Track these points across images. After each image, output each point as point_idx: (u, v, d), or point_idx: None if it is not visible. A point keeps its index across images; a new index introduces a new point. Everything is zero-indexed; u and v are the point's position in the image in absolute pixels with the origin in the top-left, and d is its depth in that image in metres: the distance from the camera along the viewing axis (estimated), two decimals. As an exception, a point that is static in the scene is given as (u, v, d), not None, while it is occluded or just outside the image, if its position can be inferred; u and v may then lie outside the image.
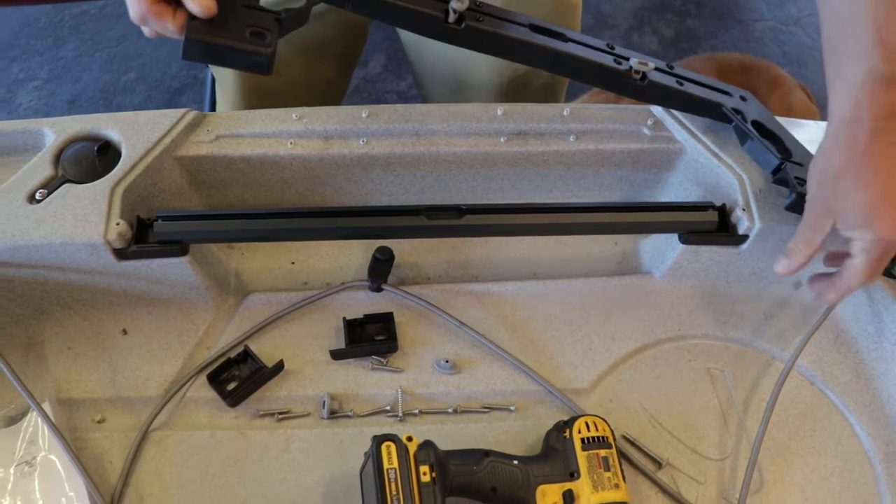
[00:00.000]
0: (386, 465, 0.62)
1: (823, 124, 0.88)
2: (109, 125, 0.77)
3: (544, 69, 0.76)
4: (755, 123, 0.78)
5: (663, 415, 0.75)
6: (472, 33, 0.71)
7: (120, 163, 0.74)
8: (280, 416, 0.74)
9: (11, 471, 0.67)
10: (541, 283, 0.83)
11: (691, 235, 0.77)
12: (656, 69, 0.76)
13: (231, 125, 0.79)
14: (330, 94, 1.14)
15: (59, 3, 2.00)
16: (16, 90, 1.97)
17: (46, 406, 0.69)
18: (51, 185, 0.72)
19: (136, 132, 0.76)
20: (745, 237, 0.77)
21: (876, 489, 0.72)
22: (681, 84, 0.77)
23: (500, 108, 0.81)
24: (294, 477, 0.70)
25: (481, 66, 0.98)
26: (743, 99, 0.81)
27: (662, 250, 0.82)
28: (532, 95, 1.04)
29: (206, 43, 0.61)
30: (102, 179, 0.73)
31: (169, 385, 0.74)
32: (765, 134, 0.78)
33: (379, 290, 0.81)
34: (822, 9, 0.68)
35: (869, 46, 0.61)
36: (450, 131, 0.81)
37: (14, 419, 0.70)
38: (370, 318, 0.79)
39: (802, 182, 0.72)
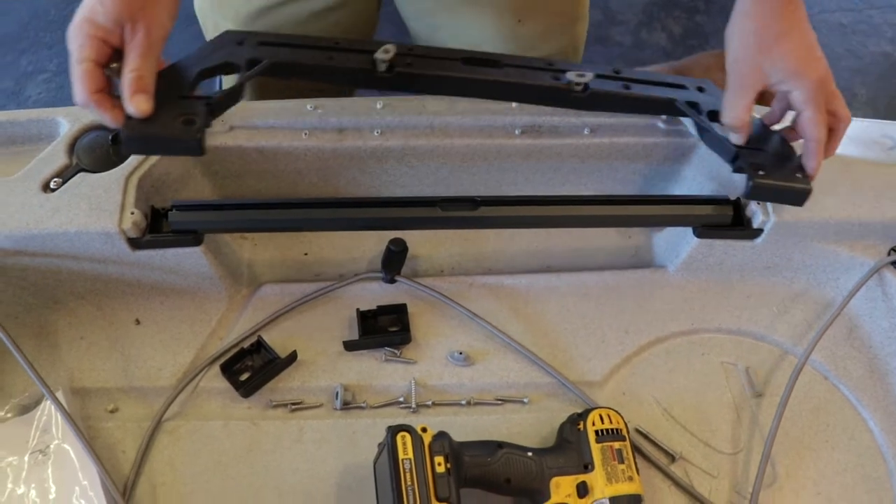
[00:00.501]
0: (401, 456, 0.62)
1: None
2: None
3: (484, 98, 0.78)
4: (712, 113, 0.76)
5: (676, 408, 0.75)
6: (404, 78, 0.73)
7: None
8: (293, 407, 0.74)
9: (26, 459, 0.67)
10: (554, 275, 0.83)
11: (705, 229, 0.77)
12: (600, 77, 0.76)
13: (246, 116, 0.79)
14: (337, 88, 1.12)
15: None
16: (24, 83, 1.97)
17: (60, 395, 0.69)
18: (65, 174, 0.72)
19: None
20: (759, 231, 0.76)
21: (889, 484, 0.72)
22: (627, 87, 0.77)
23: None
24: (307, 467, 0.70)
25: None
26: (700, 89, 0.79)
27: (676, 244, 0.82)
28: None
29: (142, 137, 0.64)
30: (117, 169, 0.73)
31: (182, 375, 0.74)
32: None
33: (392, 281, 0.81)
34: None
35: None
36: (464, 124, 0.80)
37: (28, 408, 0.70)
38: (383, 310, 0.79)
39: (759, 167, 0.71)
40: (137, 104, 0.62)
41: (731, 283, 0.82)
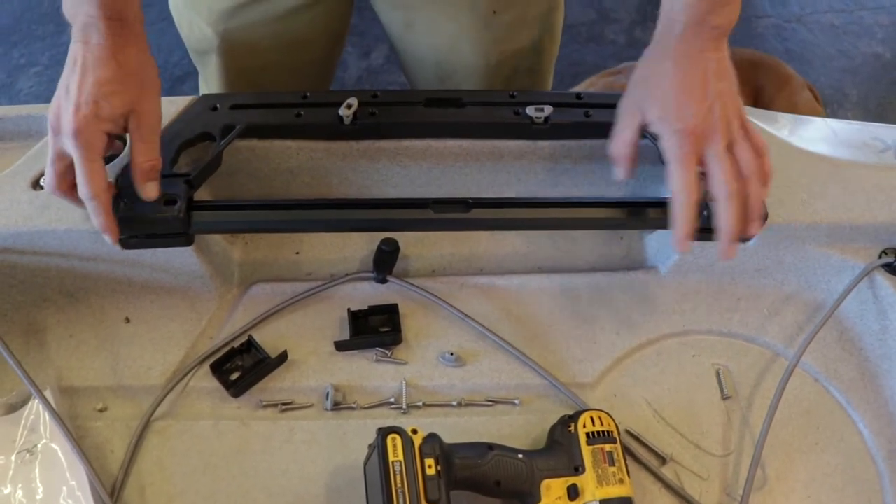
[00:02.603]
0: (391, 458, 0.62)
1: (833, 122, 0.88)
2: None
3: (446, 138, 0.79)
4: None
5: (667, 410, 0.75)
6: (369, 128, 0.77)
7: (125, 149, 0.73)
8: (283, 407, 0.73)
9: (12, 458, 0.66)
10: (546, 277, 0.83)
11: (697, 231, 0.77)
12: (561, 105, 0.78)
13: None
14: (317, 82, 1.11)
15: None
16: (17, 75, 1.96)
17: (48, 394, 0.68)
18: (55, 171, 0.72)
19: None
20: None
21: (879, 486, 0.72)
22: (588, 115, 0.78)
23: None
24: (297, 468, 0.70)
25: (467, 51, 0.97)
26: None
27: (668, 245, 0.82)
28: (519, 79, 1.03)
29: (130, 220, 0.68)
30: (107, 166, 0.72)
31: (171, 374, 0.74)
32: None
33: (384, 281, 0.81)
34: None
35: None
36: (457, 123, 0.80)
37: (15, 406, 0.70)
38: (375, 310, 0.79)
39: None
40: (150, 192, 0.67)
41: (722, 286, 0.82)
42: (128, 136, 0.68)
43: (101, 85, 0.63)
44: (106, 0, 0.63)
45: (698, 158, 0.66)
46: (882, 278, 0.78)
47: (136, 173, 0.66)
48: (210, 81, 1.03)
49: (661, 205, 0.77)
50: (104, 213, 0.65)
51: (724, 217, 0.66)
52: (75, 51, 0.64)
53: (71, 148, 0.63)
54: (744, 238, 0.69)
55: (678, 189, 0.66)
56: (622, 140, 0.70)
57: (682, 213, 0.66)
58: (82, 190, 0.63)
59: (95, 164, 0.64)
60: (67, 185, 0.65)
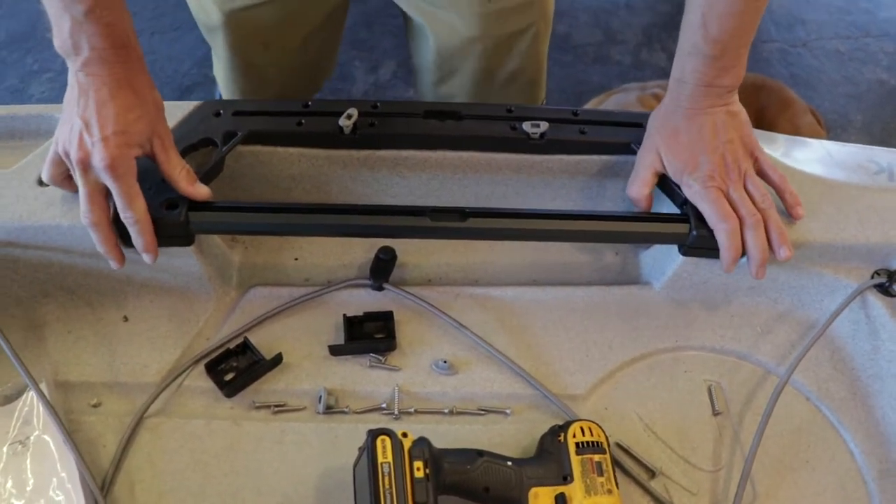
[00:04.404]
0: (380, 459, 0.62)
1: (829, 144, 0.89)
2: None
3: (445, 149, 0.82)
4: None
5: (658, 424, 0.76)
6: (369, 138, 0.79)
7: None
8: (276, 409, 0.74)
9: (4, 449, 0.67)
10: (541, 289, 0.84)
11: (691, 248, 0.78)
12: (557, 121, 0.80)
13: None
14: (318, 64, 1.19)
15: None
16: (29, 81, 1.99)
17: (43, 386, 0.69)
18: (62, 169, 0.73)
19: None
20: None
21: (868, 506, 0.72)
22: (583, 132, 0.81)
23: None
24: (287, 469, 0.70)
25: (465, 34, 1.02)
26: None
27: (662, 261, 0.83)
28: (514, 61, 1.07)
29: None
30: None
31: (167, 373, 0.75)
32: None
33: (380, 288, 0.82)
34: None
35: (696, 26, 0.71)
36: (456, 135, 0.81)
37: (10, 398, 0.71)
38: (370, 316, 0.79)
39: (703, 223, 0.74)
40: (202, 192, 0.72)
41: (715, 302, 0.83)
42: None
43: (125, 113, 0.66)
44: (113, 31, 0.64)
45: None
46: (874, 298, 0.78)
47: (181, 183, 0.71)
48: (220, 57, 1.10)
49: (657, 220, 0.78)
50: (148, 233, 0.69)
51: (752, 244, 0.73)
52: (84, 84, 0.65)
53: (108, 180, 0.65)
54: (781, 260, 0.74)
55: (719, 218, 0.73)
56: (641, 182, 0.78)
57: (727, 240, 0.73)
58: (126, 215, 0.67)
59: (133, 190, 0.67)
60: (108, 217, 0.68)
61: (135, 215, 0.67)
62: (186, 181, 0.71)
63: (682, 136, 0.75)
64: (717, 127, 0.74)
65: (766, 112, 1.54)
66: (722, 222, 0.72)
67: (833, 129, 1.91)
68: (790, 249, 0.73)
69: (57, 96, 1.93)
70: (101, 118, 0.64)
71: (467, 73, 1.07)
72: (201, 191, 0.72)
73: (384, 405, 0.75)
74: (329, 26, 1.11)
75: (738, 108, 0.77)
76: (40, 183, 0.72)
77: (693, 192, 0.74)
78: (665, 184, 0.78)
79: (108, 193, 0.67)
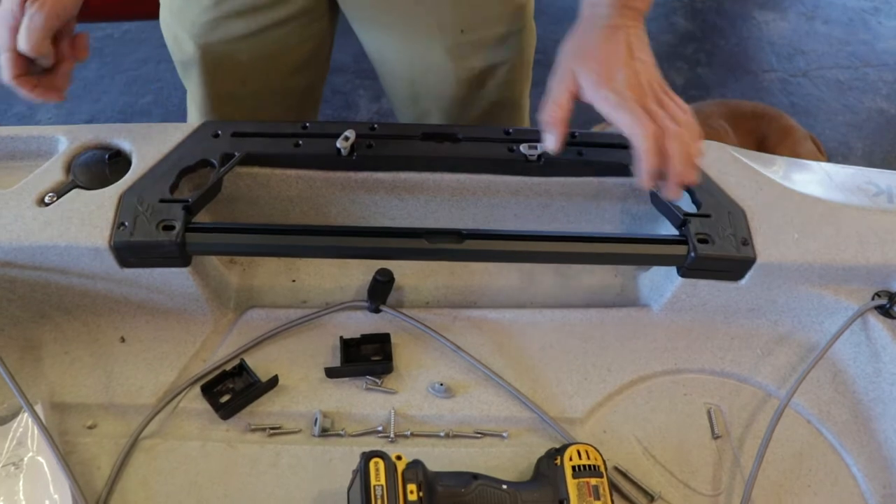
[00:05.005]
0: (373, 482, 0.61)
1: (828, 166, 0.89)
2: (122, 135, 0.78)
3: (442, 171, 0.82)
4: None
5: (657, 448, 0.75)
6: (367, 159, 0.79)
7: (129, 172, 0.75)
8: (271, 432, 0.73)
9: (-2, 471, 0.67)
10: (538, 311, 0.84)
11: (690, 269, 0.78)
12: None
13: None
14: (302, 105, 1.14)
15: (95, 21, 2.05)
16: (36, 107, 2.01)
17: (38, 408, 0.69)
18: (60, 190, 0.74)
19: (147, 143, 0.78)
20: (744, 272, 0.77)
21: (872, 533, 0.71)
22: (581, 154, 0.81)
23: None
24: (282, 493, 0.69)
25: (437, 67, 1.01)
26: None
27: (661, 283, 0.82)
28: (489, 95, 1.05)
29: (127, 246, 0.71)
30: (111, 186, 0.74)
31: (163, 394, 0.74)
32: None
33: (377, 311, 0.82)
34: None
35: None
36: (454, 158, 0.82)
37: (5, 419, 0.70)
38: (367, 339, 0.79)
39: (706, 239, 0.74)
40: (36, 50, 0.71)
41: (715, 324, 0.82)
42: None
43: None
44: None
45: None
46: (875, 320, 0.77)
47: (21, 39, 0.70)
48: (194, 95, 1.06)
49: (655, 242, 0.78)
50: (26, 90, 0.72)
51: (674, 153, 0.69)
52: None
53: None
54: (687, 185, 0.72)
55: (637, 124, 0.69)
56: (556, 103, 0.74)
57: (646, 143, 0.69)
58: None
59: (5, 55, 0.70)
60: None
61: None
62: (26, 40, 0.70)
63: (598, 51, 0.73)
64: (633, 45, 0.73)
65: (768, 140, 1.55)
66: (640, 128, 0.69)
67: (834, 157, 1.91)
68: (696, 173, 0.71)
69: (63, 123, 1.95)
70: None
71: (442, 108, 1.05)
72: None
73: (380, 428, 0.74)
74: (312, 64, 1.08)
75: (646, 36, 0.75)
76: (39, 203, 0.73)
77: (609, 104, 0.70)
78: (661, 204, 0.78)
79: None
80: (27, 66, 0.72)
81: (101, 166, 0.76)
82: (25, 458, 0.67)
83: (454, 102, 1.04)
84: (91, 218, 0.71)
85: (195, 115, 1.09)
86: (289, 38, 1.01)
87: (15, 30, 0.70)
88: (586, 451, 0.67)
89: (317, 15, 1.01)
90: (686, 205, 0.79)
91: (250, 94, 1.05)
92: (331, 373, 0.77)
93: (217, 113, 1.06)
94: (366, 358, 0.79)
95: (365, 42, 1.05)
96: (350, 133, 0.78)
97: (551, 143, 0.74)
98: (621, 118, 0.70)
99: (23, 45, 0.70)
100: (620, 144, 0.82)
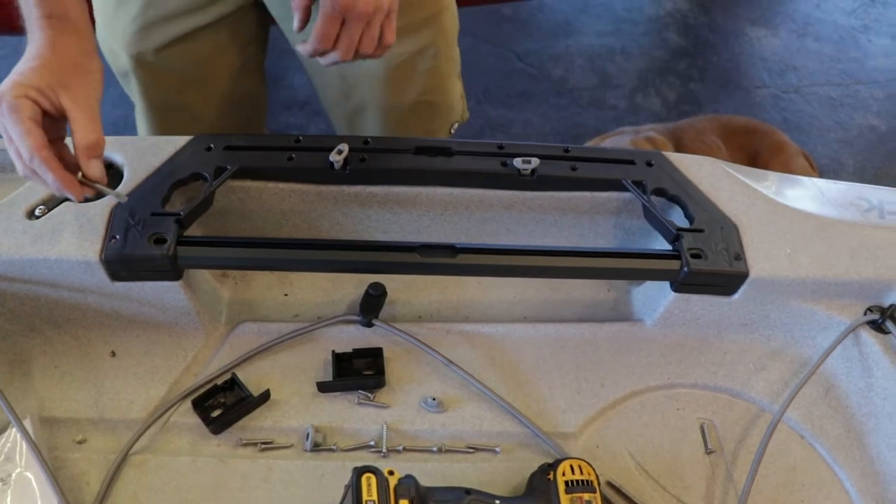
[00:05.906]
0: (365, 497, 0.61)
1: (820, 181, 0.90)
2: (114, 148, 0.78)
3: (437, 185, 0.82)
4: (658, 190, 0.80)
5: (650, 463, 0.74)
6: (360, 173, 0.79)
7: (121, 185, 0.75)
8: (263, 446, 0.73)
9: (-14, 487, 0.66)
10: (531, 326, 0.83)
11: (683, 284, 0.78)
12: (548, 158, 0.81)
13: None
14: (247, 116, 1.14)
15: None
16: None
17: (27, 423, 0.68)
18: (51, 203, 0.74)
19: (139, 156, 0.77)
20: (736, 287, 0.77)
21: (866, 549, 0.71)
22: (574, 168, 0.81)
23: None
24: (273, 508, 0.69)
25: (363, 78, 1.01)
26: (649, 164, 0.83)
27: (654, 298, 0.82)
28: (419, 80, 1.05)
29: (119, 259, 0.70)
30: (101, 200, 0.74)
31: (153, 409, 0.74)
32: (670, 198, 0.80)
33: (370, 325, 0.82)
34: None
35: None
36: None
37: (-6, 435, 0.70)
38: (359, 353, 0.79)
39: (699, 253, 0.75)
40: (94, 170, 0.65)
41: (708, 339, 0.82)
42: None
43: (30, 61, 0.65)
44: (45, 1, 0.67)
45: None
46: (867, 335, 0.77)
47: (79, 150, 0.64)
48: (138, 107, 1.06)
49: (648, 256, 0.78)
50: (53, 168, 0.62)
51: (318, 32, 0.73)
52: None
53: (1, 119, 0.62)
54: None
55: (318, 35, 0.73)
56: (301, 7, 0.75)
57: (310, 50, 0.74)
58: (23, 149, 0.62)
59: (27, 125, 0.62)
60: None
61: (29, 146, 0.61)
62: (84, 150, 0.64)
63: None
64: None
65: (760, 156, 1.56)
66: (321, 39, 0.72)
67: (825, 173, 1.92)
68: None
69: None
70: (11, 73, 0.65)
71: (374, 98, 1.05)
72: (92, 169, 0.64)
73: (372, 443, 0.74)
74: (247, 70, 1.08)
75: None
76: (29, 216, 0.73)
77: (322, 9, 0.72)
78: (654, 219, 0.78)
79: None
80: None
81: (93, 180, 0.76)
82: (13, 474, 0.66)
83: (386, 92, 1.03)
84: (82, 231, 0.71)
85: (143, 129, 1.09)
86: (218, 42, 1.01)
87: (32, 101, 0.64)
88: (579, 466, 0.67)
89: (243, 14, 1.01)
90: (679, 219, 0.79)
91: (190, 104, 1.05)
92: (323, 387, 0.77)
93: (162, 125, 1.06)
94: (358, 372, 0.78)
95: (292, 40, 1.03)
96: (343, 147, 0.78)
97: (296, 22, 0.76)
98: (318, 23, 0.72)
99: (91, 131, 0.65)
100: (614, 159, 0.83)
